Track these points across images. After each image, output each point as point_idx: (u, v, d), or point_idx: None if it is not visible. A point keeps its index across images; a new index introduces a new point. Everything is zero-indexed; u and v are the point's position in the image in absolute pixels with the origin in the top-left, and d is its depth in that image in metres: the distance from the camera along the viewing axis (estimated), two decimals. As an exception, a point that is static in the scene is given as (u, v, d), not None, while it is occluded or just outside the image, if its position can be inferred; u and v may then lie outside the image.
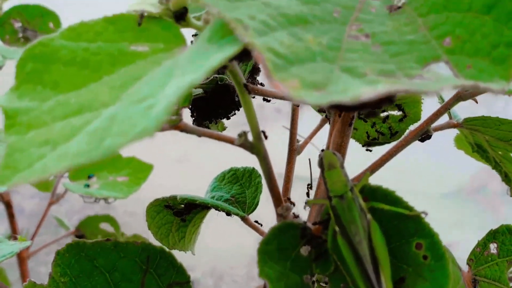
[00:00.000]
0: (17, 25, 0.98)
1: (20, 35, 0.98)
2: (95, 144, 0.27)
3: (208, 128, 0.55)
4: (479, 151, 0.51)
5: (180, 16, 0.34)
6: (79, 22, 0.33)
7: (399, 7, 0.32)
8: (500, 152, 0.47)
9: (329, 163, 0.36)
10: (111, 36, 0.33)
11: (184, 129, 0.39)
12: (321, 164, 0.36)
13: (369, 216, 0.35)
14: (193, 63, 0.29)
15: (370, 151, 0.57)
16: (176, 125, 0.38)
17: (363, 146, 0.58)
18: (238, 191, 0.54)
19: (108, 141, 0.26)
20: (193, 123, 0.54)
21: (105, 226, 1.00)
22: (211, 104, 0.52)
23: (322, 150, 0.44)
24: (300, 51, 0.28)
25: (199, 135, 0.39)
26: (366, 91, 0.25)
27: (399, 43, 0.30)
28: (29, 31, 0.99)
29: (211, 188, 0.56)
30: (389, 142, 0.56)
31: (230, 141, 0.39)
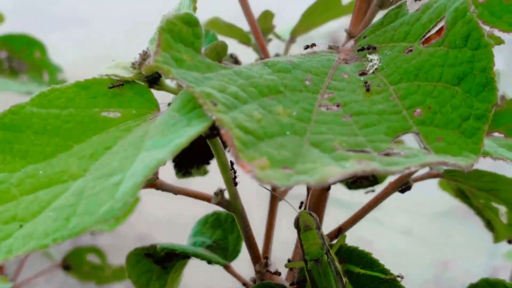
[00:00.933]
0: (3, 55, 0.98)
1: (6, 65, 0.98)
2: (61, 224, 0.26)
3: (190, 173, 0.54)
4: (462, 197, 0.51)
5: (153, 80, 0.34)
6: (50, 88, 0.33)
7: (371, 73, 0.32)
8: (481, 201, 0.47)
9: (305, 224, 0.36)
10: (83, 102, 0.33)
11: (160, 187, 0.38)
12: (297, 225, 0.36)
13: (345, 279, 0.34)
14: (163, 136, 0.29)
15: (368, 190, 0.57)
16: (152, 183, 0.38)
17: (348, 188, 0.57)
18: (220, 237, 0.54)
19: (74, 221, 0.26)
20: (174, 168, 0.54)
21: (92, 258, 1.00)
22: (193, 151, 0.52)
23: (301, 203, 0.44)
24: (269, 125, 0.28)
25: (175, 193, 0.39)
26: (333, 173, 0.25)
27: (370, 113, 0.30)
28: (15, 61, 0.98)
29: (194, 233, 0.55)
30: (373, 185, 0.56)
31: (206, 199, 0.39)
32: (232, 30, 0.54)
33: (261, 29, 0.54)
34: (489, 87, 0.28)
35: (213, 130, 0.30)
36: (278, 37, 0.57)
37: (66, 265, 1.00)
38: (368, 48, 0.34)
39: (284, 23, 0.61)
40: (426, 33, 0.32)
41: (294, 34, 0.55)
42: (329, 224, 0.47)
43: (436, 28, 0.31)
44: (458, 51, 0.29)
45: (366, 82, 0.31)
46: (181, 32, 0.31)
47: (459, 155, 0.27)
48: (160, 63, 0.29)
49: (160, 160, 0.26)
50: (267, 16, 0.53)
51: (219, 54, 0.44)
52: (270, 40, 0.55)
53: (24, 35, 0.99)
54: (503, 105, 0.40)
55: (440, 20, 0.31)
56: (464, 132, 0.28)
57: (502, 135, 0.40)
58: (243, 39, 0.55)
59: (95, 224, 0.25)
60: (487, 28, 0.37)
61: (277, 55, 0.55)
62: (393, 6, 0.35)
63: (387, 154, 0.27)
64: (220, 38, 0.57)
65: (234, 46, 0.58)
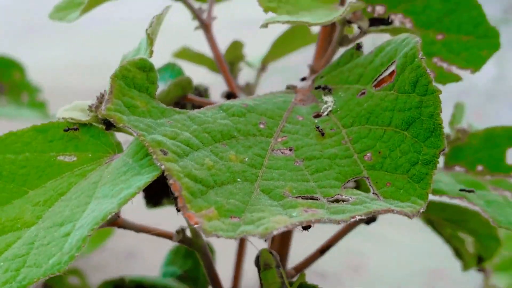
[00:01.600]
0: (-17, 77, 0.97)
1: (-15, 87, 0.97)
2: (11, 275, 0.26)
3: (161, 203, 0.54)
4: (431, 225, 0.51)
5: (110, 123, 0.34)
6: (7, 132, 0.33)
7: (326, 115, 0.33)
8: (448, 230, 0.47)
9: (265, 262, 0.36)
10: (39, 146, 0.33)
11: (122, 225, 0.38)
12: (257, 263, 0.36)
13: (304, 318, 0.35)
14: (114, 185, 0.29)
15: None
16: (113, 222, 0.38)
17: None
18: (191, 266, 0.54)
19: (23, 273, 0.26)
20: (144, 199, 0.54)
21: (73, 279, 0.99)
22: (163, 180, 0.52)
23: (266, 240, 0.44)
24: (220, 173, 0.28)
25: (137, 231, 0.39)
26: (278, 225, 0.25)
27: (322, 158, 0.30)
28: (-6, 82, 0.98)
29: (166, 262, 0.55)
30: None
31: (168, 236, 0.39)
32: (201, 59, 0.55)
33: (231, 58, 0.54)
34: (436, 133, 0.28)
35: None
36: (249, 65, 0.58)
37: (47, 287, 1.00)
38: (323, 89, 0.34)
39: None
40: (378, 76, 0.32)
41: (265, 62, 0.55)
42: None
43: (388, 72, 0.32)
44: (407, 97, 0.30)
45: (318, 127, 0.31)
46: (135, 78, 0.31)
47: (407, 200, 0.28)
48: (112, 111, 0.29)
49: (107, 212, 0.26)
50: (237, 46, 0.53)
51: (184, 88, 0.44)
52: (240, 69, 0.56)
53: (3, 57, 0.99)
54: (464, 138, 0.40)
55: (391, 64, 0.31)
56: (413, 177, 0.28)
57: (463, 169, 0.41)
58: (212, 68, 0.55)
59: (43, 276, 0.26)
60: (444, 65, 0.38)
61: (247, 83, 0.56)
62: (349, 46, 0.36)
63: (336, 201, 0.28)
64: (191, 66, 0.57)
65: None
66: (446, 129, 0.43)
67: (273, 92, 0.35)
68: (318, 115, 0.33)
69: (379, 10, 0.38)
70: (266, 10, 0.34)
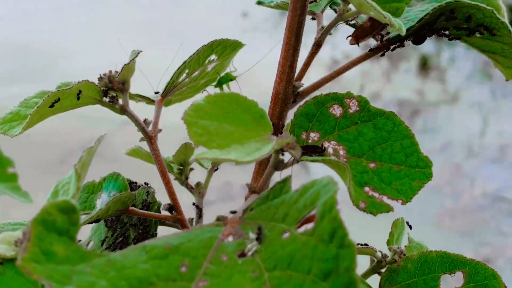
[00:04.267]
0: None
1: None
2: None
3: None
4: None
5: (34, 259, 0.33)
6: None
7: (250, 255, 0.33)
8: None
9: None
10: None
11: None
12: None
13: None
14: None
15: None
16: None
17: None
18: None
19: None
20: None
21: None
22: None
23: None
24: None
25: None
26: None
27: (241, 307, 0.30)
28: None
29: None
30: None
31: None
32: (152, 159, 0.55)
33: (181, 159, 0.54)
34: (351, 288, 0.28)
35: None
36: (201, 165, 0.58)
37: None
38: (251, 224, 0.34)
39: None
40: (302, 218, 0.32)
41: (215, 163, 0.56)
42: None
43: (311, 214, 0.32)
44: (325, 247, 0.30)
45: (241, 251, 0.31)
46: (56, 221, 0.31)
47: None
48: (27, 261, 0.29)
49: None
50: (187, 147, 0.54)
51: (125, 203, 0.44)
52: (192, 169, 0.56)
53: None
54: (400, 262, 0.40)
55: (313, 208, 0.32)
56: None
57: (398, 294, 0.41)
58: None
59: None
60: (376, 194, 0.38)
61: (198, 183, 0.56)
62: (279, 180, 0.36)
63: None
64: (143, 164, 0.58)
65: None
66: (384, 248, 0.43)
67: (202, 225, 0.35)
68: (243, 254, 0.33)
69: (313, 137, 0.39)
70: (196, 144, 0.35)
